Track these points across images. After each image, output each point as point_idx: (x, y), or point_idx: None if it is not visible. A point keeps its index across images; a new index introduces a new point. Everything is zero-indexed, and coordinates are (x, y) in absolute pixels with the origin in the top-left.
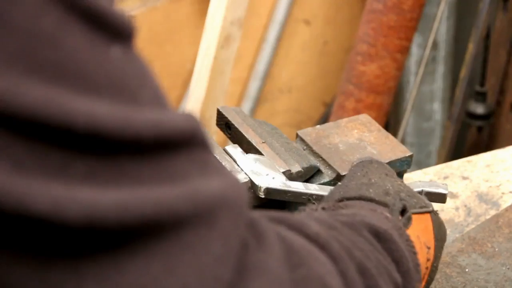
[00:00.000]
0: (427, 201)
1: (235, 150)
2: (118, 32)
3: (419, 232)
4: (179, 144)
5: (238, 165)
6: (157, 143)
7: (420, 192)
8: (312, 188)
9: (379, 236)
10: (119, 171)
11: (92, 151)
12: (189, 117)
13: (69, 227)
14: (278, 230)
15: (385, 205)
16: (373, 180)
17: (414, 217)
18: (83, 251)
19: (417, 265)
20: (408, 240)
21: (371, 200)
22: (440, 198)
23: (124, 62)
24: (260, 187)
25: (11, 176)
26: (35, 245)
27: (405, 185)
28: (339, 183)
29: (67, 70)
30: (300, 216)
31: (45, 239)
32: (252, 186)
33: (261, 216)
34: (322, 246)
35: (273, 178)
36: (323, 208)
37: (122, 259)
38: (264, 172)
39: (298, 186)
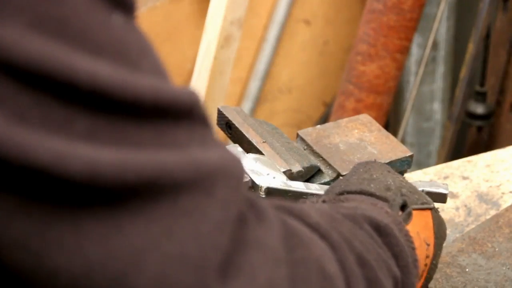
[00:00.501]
0: (428, 198)
1: (235, 149)
2: (120, 1)
3: (419, 228)
4: (179, 114)
5: None
6: (157, 109)
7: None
8: (313, 188)
9: (380, 230)
10: (120, 131)
11: (94, 109)
12: (190, 91)
13: (69, 181)
14: (279, 214)
15: (385, 200)
16: (374, 176)
17: (414, 213)
18: (83, 207)
19: (415, 260)
20: (407, 235)
21: (371, 194)
22: (441, 198)
23: (125, 30)
24: (261, 187)
25: (13, 125)
26: (35, 197)
27: (407, 181)
28: (341, 177)
29: (70, 27)
30: (302, 206)
31: (45, 192)
32: (252, 185)
33: (262, 200)
34: (322, 235)
35: (274, 177)
36: (324, 201)
37: (121, 218)
38: (264, 171)
39: (298, 186)
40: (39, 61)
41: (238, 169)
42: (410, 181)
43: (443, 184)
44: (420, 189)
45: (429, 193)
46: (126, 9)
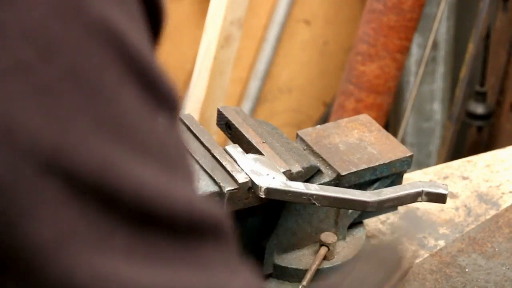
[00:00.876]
0: None
1: (235, 150)
2: (166, 100)
3: None
4: (207, 230)
5: (238, 165)
6: (190, 225)
7: (421, 193)
8: (313, 188)
9: None
10: (154, 247)
11: (134, 222)
12: (218, 207)
13: None
14: None
15: None
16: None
17: None
18: None
19: None
20: None
21: None
22: (440, 198)
23: (169, 131)
24: (261, 187)
25: (61, 242)
26: None
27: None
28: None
29: (124, 129)
30: None
31: None
32: (252, 186)
33: None
34: None
35: (274, 178)
36: None
37: None
38: (264, 172)
39: (298, 186)
40: (95, 169)
41: None
42: (410, 181)
43: (443, 184)
44: (420, 189)
45: (429, 194)
46: (170, 109)
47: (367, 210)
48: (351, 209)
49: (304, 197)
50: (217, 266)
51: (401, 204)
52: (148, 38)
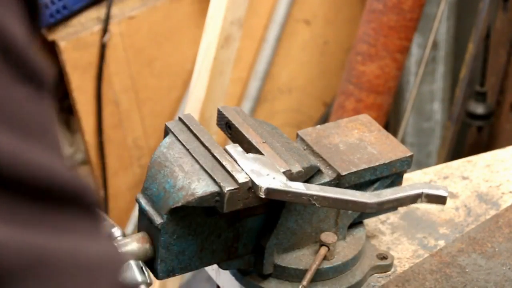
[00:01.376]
0: None
1: (235, 149)
2: (33, 75)
3: None
4: (69, 198)
5: (238, 165)
6: (50, 190)
7: (420, 194)
8: (313, 189)
9: None
10: (12, 209)
11: None
12: (84, 180)
13: None
14: None
15: None
16: None
17: None
18: None
19: None
20: None
21: None
22: (440, 200)
23: (33, 103)
24: (261, 187)
25: None
26: None
27: None
28: None
29: None
30: None
31: None
32: (252, 186)
33: None
34: None
35: (274, 178)
36: None
37: None
38: (264, 172)
39: (298, 187)
40: None
41: (117, 265)
42: (409, 181)
43: (443, 186)
44: (419, 191)
45: (428, 195)
46: (37, 84)
47: (366, 211)
48: (350, 210)
49: (304, 197)
50: (76, 231)
51: (401, 206)
52: (21, 18)
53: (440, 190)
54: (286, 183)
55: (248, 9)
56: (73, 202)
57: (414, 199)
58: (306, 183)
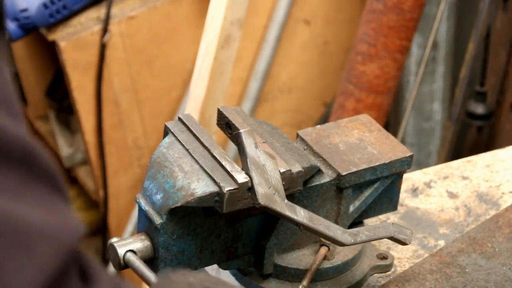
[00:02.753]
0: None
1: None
2: None
3: None
4: (18, 157)
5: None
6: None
7: (390, 237)
8: (301, 216)
9: None
10: None
11: None
12: (38, 144)
13: None
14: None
15: None
16: (174, 279)
17: None
18: None
19: None
20: None
21: None
22: (403, 243)
23: None
24: (258, 199)
25: None
26: None
27: (210, 276)
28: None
29: None
30: None
31: None
32: (252, 186)
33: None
34: None
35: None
36: None
37: None
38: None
39: (290, 210)
40: None
41: (69, 236)
42: (410, 182)
43: (409, 230)
44: (390, 235)
45: (394, 239)
46: None
47: (341, 246)
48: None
49: (293, 221)
50: (20, 195)
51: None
52: None
53: (406, 236)
54: (285, 203)
55: (248, 9)
56: (23, 165)
57: (383, 238)
58: (299, 207)
